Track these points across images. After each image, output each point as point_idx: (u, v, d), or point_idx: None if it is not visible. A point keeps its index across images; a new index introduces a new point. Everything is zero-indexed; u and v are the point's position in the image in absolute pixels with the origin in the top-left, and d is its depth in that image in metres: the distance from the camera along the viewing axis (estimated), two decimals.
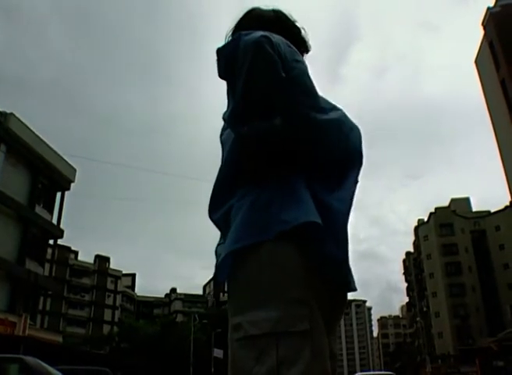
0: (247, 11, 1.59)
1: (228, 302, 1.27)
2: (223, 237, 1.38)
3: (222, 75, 1.32)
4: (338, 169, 1.38)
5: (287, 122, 1.27)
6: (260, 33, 1.24)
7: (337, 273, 1.30)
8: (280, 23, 1.54)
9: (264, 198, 1.26)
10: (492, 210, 73.50)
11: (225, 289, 1.32)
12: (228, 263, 1.25)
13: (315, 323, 1.17)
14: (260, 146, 1.26)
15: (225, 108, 1.37)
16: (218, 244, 1.44)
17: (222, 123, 1.46)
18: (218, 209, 1.36)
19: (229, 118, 1.29)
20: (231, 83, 1.29)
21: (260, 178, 1.29)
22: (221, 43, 1.35)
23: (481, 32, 49.96)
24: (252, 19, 1.54)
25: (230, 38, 1.51)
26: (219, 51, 1.29)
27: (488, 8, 47.80)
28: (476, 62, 53.00)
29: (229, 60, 1.26)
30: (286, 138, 1.28)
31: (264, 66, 1.21)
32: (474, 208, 78.73)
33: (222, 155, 1.42)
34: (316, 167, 1.34)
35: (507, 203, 65.18)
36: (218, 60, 1.29)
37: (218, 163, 1.43)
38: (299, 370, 1.10)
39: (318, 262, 1.24)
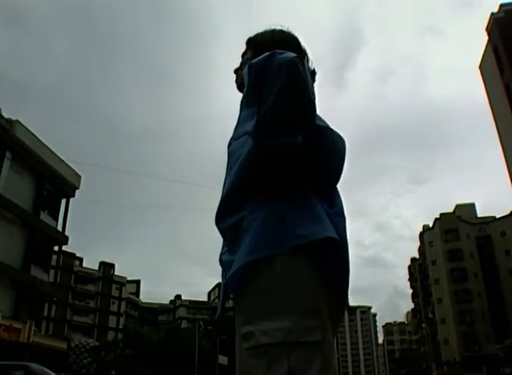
0: (270, 32, 1.62)
1: (237, 312, 1.28)
2: (228, 246, 1.39)
3: (249, 88, 1.34)
4: (334, 185, 1.44)
5: (305, 140, 1.31)
6: (293, 54, 1.27)
7: (344, 287, 1.34)
8: (301, 50, 1.59)
9: (278, 211, 1.28)
10: (498, 216, 73.29)
11: (232, 298, 1.32)
12: (239, 274, 1.26)
13: (326, 335, 1.20)
14: (281, 161, 1.28)
15: (234, 119, 1.38)
16: (223, 253, 1.44)
17: (227, 130, 1.47)
18: (227, 218, 1.37)
19: (253, 131, 1.30)
20: (254, 97, 1.31)
21: (274, 192, 1.30)
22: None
23: (485, 37, 50.05)
24: (278, 41, 1.57)
25: (246, 56, 1.62)
26: (252, 66, 1.31)
27: (492, 14, 47.83)
28: (480, 67, 53.00)
29: (259, 75, 1.28)
30: (303, 155, 1.31)
31: (297, 85, 1.23)
32: (480, 214, 78.57)
33: (228, 165, 1.43)
34: (321, 184, 1.38)
35: None
36: (249, 74, 1.32)
37: (224, 171, 1.45)
38: None
39: (331, 276, 1.27)
